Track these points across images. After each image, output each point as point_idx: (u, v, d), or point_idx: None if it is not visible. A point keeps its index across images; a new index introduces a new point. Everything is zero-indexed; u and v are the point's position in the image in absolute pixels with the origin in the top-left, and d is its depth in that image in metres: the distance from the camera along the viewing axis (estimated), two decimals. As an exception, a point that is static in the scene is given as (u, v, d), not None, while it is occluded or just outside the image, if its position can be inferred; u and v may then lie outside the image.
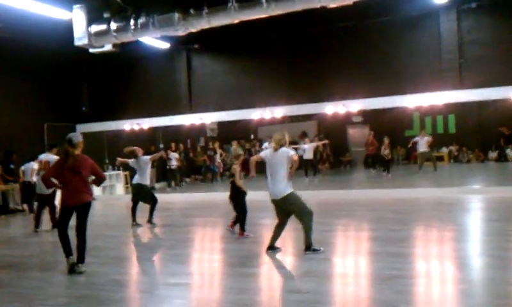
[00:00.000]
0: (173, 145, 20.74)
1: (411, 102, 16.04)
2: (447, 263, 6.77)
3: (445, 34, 19.59)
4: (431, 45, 19.91)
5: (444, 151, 23.62)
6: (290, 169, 7.29)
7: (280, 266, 7.17)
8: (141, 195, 11.27)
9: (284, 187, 7.25)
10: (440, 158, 22.76)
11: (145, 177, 11.25)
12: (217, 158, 21.55)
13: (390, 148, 19.22)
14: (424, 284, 5.90)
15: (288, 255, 7.53)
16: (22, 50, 16.44)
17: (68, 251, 7.19)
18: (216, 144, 21.84)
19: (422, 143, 18.55)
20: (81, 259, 7.13)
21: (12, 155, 14.86)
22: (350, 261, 7.29)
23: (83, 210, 7.14)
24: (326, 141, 20.62)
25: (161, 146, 21.89)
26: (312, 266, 6.80)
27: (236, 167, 9.11)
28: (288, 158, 7.26)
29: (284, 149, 7.35)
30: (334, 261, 7.15)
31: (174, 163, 19.98)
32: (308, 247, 7.33)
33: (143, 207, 11.33)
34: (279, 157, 7.28)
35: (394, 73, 19.93)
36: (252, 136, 25.64)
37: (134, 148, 11.51)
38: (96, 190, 18.15)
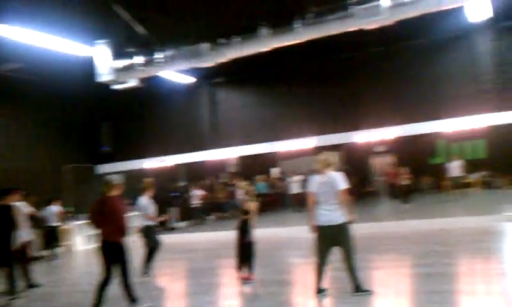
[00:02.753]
0: (196, 183, 20.22)
1: (448, 126, 15.38)
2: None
3: (481, 55, 18.93)
4: (466, 67, 19.26)
5: (474, 177, 22.74)
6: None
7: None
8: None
9: (341, 214, 6.53)
10: (469, 185, 21.90)
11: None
12: (239, 194, 20.91)
13: (412, 177, 18.47)
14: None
15: (339, 298, 6.76)
16: (42, 90, 16.18)
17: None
18: (238, 180, 21.23)
19: (453, 168, 17.79)
20: (132, 299, 6.87)
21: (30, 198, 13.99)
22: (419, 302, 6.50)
23: (117, 251, 6.73)
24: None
25: (183, 184, 21.40)
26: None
27: (253, 205, 8.34)
28: (338, 186, 6.50)
29: (334, 173, 6.60)
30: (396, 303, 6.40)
31: (196, 201, 19.41)
32: (357, 287, 6.61)
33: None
34: (331, 183, 6.52)
35: (428, 97, 19.24)
36: (272, 170, 25.05)
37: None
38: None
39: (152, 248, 10.18)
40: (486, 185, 22.59)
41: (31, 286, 10.14)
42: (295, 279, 8.97)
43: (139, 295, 7.02)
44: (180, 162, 18.93)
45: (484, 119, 15.05)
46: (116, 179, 7.03)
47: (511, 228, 11.59)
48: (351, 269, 6.60)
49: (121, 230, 6.75)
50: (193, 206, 19.46)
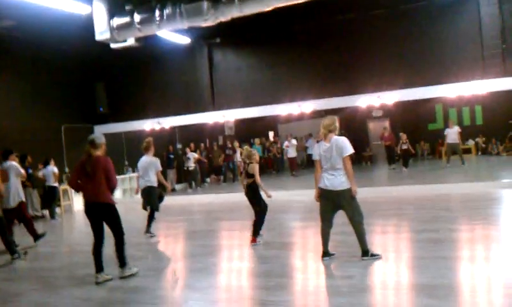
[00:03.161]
0: (192, 145, 20.07)
1: (451, 91, 15.20)
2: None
3: (486, 19, 18.55)
4: (471, 31, 18.91)
5: (471, 143, 22.81)
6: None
7: (354, 276, 6.36)
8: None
9: (345, 180, 6.40)
10: (467, 151, 21.98)
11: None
12: (237, 157, 20.89)
13: (410, 142, 18.46)
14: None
15: (346, 262, 6.72)
16: (36, 49, 15.74)
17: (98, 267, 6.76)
18: (235, 143, 21.16)
19: (451, 134, 17.68)
20: (122, 263, 6.81)
21: (27, 158, 13.93)
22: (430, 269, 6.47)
23: (106, 212, 6.65)
24: None
25: (179, 146, 21.26)
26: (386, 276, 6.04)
27: (255, 166, 8.29)
28: (343, 154, 6.33)
29: (337, 138, 6.41)
30: (405, 269, 6.38)
31: (192, 164, 19.30)
32: (366, 252, 6.57)
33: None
34: (335, 148, 6.35)
35: (432, 61, 18.94)
36: (272, 134, 24.96)
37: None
38: (117, 193, 17.53)
39: (155, 208, 10.16)
40: (482, 151, 22.73)
41: (38, 237, 10.15)
42: (299, 242, 8.95)
43: (138, 256, 6.96)
44: (176, 124, 18.67)
45: (486, 85, 14.83)
46: (100, 138, 6.84)
47: (509, 195, 11.64)
48: (358, 233, 6.55)
49: (108, 190, 6.61)
50: (190, 168, 19.36)
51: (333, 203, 6.53)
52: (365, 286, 5.72)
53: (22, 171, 10.52)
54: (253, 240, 8.32)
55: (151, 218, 10.15)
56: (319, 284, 6.15)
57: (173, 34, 15.22)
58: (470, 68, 17.51)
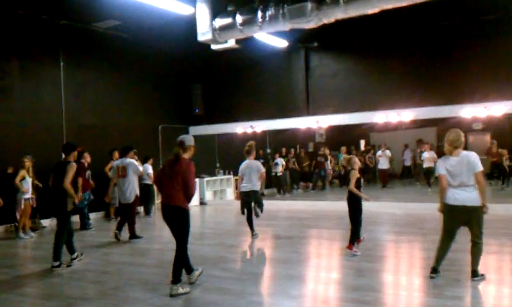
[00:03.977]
0: (283, 150, 19.94)
1: None
2: None
3: None
4: None
5: None
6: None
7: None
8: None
9: (476, 195, 6.05)
10: None
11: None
12: (328, 164, 20.48)
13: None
14: None
15: (453, 281, 6.18)
16: (139, 49, 16.27)
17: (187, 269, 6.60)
18: (326, 150, 20.74)
19: None
20: (175, 278, 6.22)
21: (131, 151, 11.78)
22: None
23: (176, 216, 6.28)
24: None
25: (269, 151, 21.22)
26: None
27: (355, 173, 8.04)
28: (475, 170, 6.02)
29: (468, 153, 6.13)
30: None
31: (279, 169, 19.17)
32: (476, 272, 6.15)
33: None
34: (466, 164, 6.06)
35: None
36: (364, 143, 24.21)
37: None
38: (208, 195, 17.77)
39: (255, 210, 10.17)
40: None
41: (134, 236, 10.47)
42: (396, 256, 8.44)
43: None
44: (268, 129, 18.59)
45: None
46: (190, 140, 6.51)
47: None
48: (477, 253, 6.16)
49: (185, 195, 6.25)
50: (278, 174, 19.25)
51: (460, 219, 6.20)
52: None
53: (141, 168, 11.10)
54: (350, 247, 8.07)
55: (250, 220, 10.16)
56: (424, 302, 5.67)
57: (270, 36, 15.14)
58: None
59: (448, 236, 6.30)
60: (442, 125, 18.82)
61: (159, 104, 17.33)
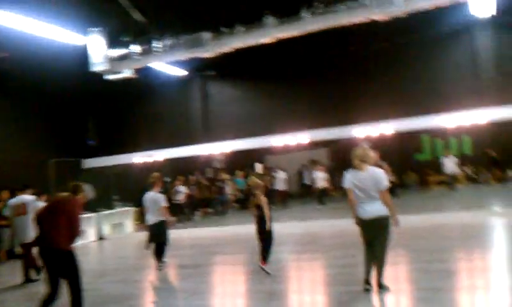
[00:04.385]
0: (180, 179, 19.77)
1: (448, 121, 15.27)
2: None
3: (480, 50, 18.86)
4: (466, 62, 19.18)
5: (460, 172, 22.93)
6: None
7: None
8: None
9: (383, 207, 6.32)
10: (457, 180, 22.09)
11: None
12: (228, 189, 20.61)
13: (394, 173, 18.56)
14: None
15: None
16: (29, 80, 15.44)
17: None
18: (226, 175, 20.91)
19: (450, 163, 17.90)
20: None
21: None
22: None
23: (62, 260, 5.83)
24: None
25: (168, 179, 20.91)
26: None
27: (263, 198, 8.27)
28: (381, 185, 6.30)
29: (374, 170, 6.39)
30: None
31: (181, 197, 19.00)
32: (382, 284, 6.41)
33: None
34: (371, 178, 6.32)
35: (428, 92, 19.09)
36: (260, 166, 24.72)
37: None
38: (105, 229, 17.06)
39: (162, 243, 9.95)
40: (472, 180, 22.88)
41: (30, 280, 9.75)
42: (303, 275, 8.68)
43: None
44: (168, 157, 18.39)
45: (483, 114, 15.02)
46: (84, 187, 6.26)
47: (502, 223, 11.65)
48: (381, 265, 6.40)
49: (73, 237, 5.87)
50: (178, 202, 19.03)
51: (371, 231, 6.44)
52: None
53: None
54: (263, 263, 8.20)
55: (161, 251, 9.93)
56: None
57: (168, 66, 15.12)
58: (467, 98, 17.74)
59: (368, 247, 6.53)
60: (333, 146, 19.84)
61: (50, 137, 16.46)
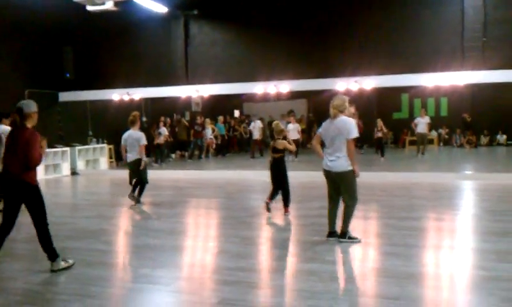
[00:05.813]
0: (162, 119, 19.55)
1: (429, 81, 15.30)
2: None
3: (469, 11, 18.73)
4: (453, 22, 19.09)
5: (434, 134, 23.33)
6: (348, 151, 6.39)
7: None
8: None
9: (345, 161, 6.39)
10: (430, 142, 22.47)
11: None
12: (208, 134, 20.44)
13: (384, 130, 18.79)
14: None
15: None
16: (4, 7, 14.76)
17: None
18: (207, 120, 20.69)
19: (421, 123, 18.03)
20: (51, 256, 5.76)
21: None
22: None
23: (22, 193, 5.63)
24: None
25: (144, 119, 20.66)
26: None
27: (283, 142, 8.52)
28: (348, 135, 6.30)
29: (345, 119, 6.39)
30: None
31: (162, 139, 18.87)
32: (344, 234, 6.60)
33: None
34: (338, 127, 6.35)
35: (411, 50, 19.08)
36: (238, 113, 24.66)
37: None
38: (80, 164, 16.93)
39: (140, 181, 10.09)
40: (445, 142, 23.36)
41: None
42: (274, 223, 8.81)
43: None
44: (146, 96, 18.09)
45: (464, 76, 15.11)
46: (29, 106, 5.69)
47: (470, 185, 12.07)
48: (346, 215, 6.56)
49: (29, 167, 5.53)
50: (157, 143, 18.90)
51: (333, 183, 6.59)
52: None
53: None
54: (286, 210, 8.70)
55: (141, 189, 10.14)
56: (300, 268, 6.03)
57: (150, 1, 14.66)
58: (450, 58, 17.78)
59: (330, 199, 6.72)
60: (313, 97, 19.78)
61: (26, 66, 15.96)
